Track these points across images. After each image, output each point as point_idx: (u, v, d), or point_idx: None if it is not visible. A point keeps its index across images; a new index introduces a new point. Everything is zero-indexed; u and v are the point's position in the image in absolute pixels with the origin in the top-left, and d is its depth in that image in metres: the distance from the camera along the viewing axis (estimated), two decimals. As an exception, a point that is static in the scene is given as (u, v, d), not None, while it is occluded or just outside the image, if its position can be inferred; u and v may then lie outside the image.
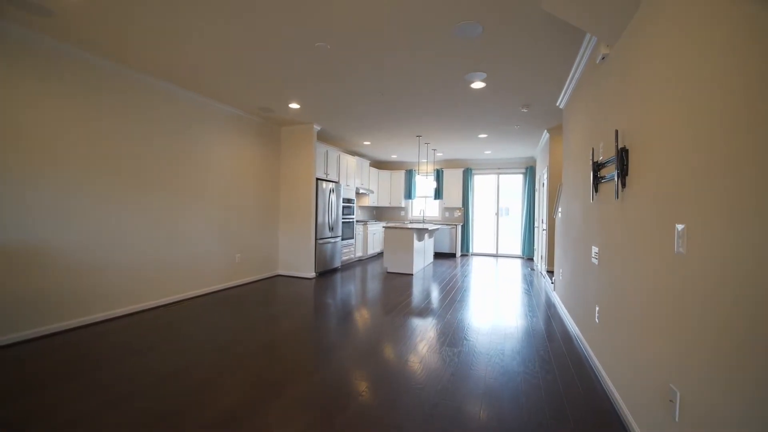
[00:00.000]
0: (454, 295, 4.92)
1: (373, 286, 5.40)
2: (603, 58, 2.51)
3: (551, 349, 3.04)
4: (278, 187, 6.13)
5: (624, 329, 2.05)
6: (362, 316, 3.86)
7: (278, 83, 4.04)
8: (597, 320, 2.61)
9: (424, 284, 5.62)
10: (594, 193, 2.71)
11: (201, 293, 4.63)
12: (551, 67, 3.49)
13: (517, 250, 9.33)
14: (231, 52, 3.24)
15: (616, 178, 2.09)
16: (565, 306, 4.02)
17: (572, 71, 3.43)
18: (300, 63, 3.47)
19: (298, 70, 3.67)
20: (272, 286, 5.26)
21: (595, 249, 2.70)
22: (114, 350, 2.85)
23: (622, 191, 2.07)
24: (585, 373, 2.60)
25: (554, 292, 4.93)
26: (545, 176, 6.42)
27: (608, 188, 2.42)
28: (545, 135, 6.17)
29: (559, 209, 4.58)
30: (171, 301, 4.23)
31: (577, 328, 3.32)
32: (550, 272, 5.83)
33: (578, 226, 3.38)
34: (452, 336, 3.31)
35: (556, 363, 2.76)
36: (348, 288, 5.26)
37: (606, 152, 2.49)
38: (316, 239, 6.06)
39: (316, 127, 5.93)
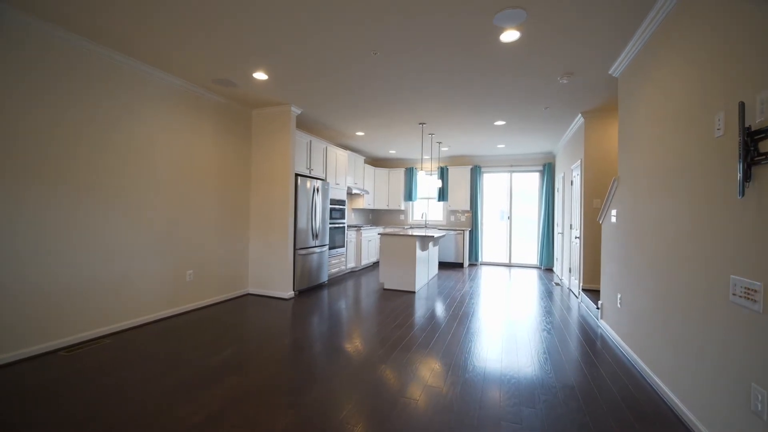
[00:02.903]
0: (470, 325, 3.74)
1: (367, 311, 4.21)
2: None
3: (649, 441, 1.86)
4: (248, 184, 4.95)
5: None
6: (347, 366, 2.67)
7: (232, 36, 2.88)
8: (765, 415, 1.44)
9: (431, 307, 4.44)
10: (743, 183, 1.54)
11: (129, 326, 3.43)
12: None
13: (533, 259, 8.16)
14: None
15: None
16: (635, 350, 2.84)
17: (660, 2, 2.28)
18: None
19: (257, 6, 2.50)
20: (235, 312, 4.07)
21: (751, 284, 1.52)
22: None
23: None
24: None
25: (602, 321, 3.75)
26: (576, 172, 5.27)
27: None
28: (578, 120, 5.03)
29: (613, 212, 3.43)
30: (77, 342, 3.02)
31: (676, 399, 2.14)
32: (589, 291, 4.66)
33: (673, 238, 2.21)
34: (482, 410, 2.12)
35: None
36: (333, 313, 4.07)
37: (788, 105, 1.33)
38: (295, 249, 4.88)
39: (295, 110, 4.77)
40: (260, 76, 3.69)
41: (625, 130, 3.17)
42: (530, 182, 8.22)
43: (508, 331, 3.57)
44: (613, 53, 3.09)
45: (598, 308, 3.90)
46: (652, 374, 2.48)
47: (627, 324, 3.01)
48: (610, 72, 3.42)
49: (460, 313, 4.18)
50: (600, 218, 3.84)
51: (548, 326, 3.76)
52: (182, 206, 3.96)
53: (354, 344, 3.13)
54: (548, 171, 7.68)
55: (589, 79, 3.64)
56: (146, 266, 3.57)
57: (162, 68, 3.55)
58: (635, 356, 2.78)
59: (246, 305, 4.36)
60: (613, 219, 3.43)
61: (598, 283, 4.65)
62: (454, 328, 3.62)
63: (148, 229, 3.59)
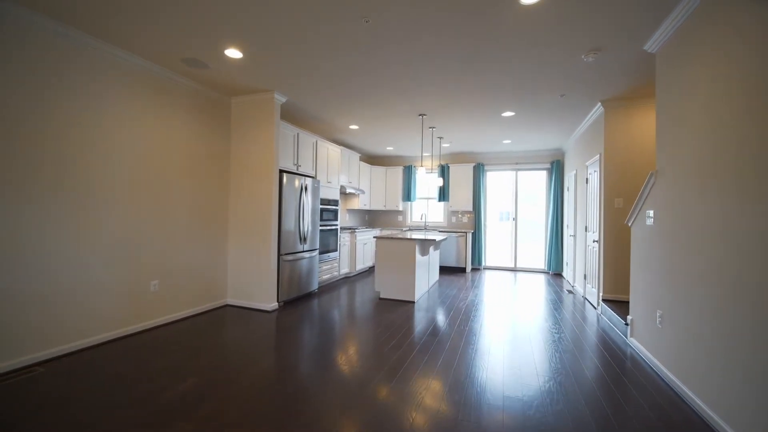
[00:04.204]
0: (479, 345, 3.20)
1: (360, 326, 3.67)
2: None
3: None
4: (228, 182, 4.40)
5: None
6: (333, 402, 2.13)
7: (195, 4, 2.35)
8: None
9: (433, 321, 3.90)
10: None
11: (75, 348, 2.87)
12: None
13: (540, 263, 7.64)
14: None
15: None
16: (689, 385, 2.30)
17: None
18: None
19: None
20: (207, 327, 3.52)
21: None
22: None
23: None
24: None
25: (632, 339, 3.23)
26: (594, 168, 4.75)
27: None
28: (596, 110, 4.51)
29: (650, 212, 2.91)
30: (2, 372, 2.47)
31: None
32: (610, 302, 4.13)
33: (749, 246, 1.68)
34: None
35: None
36: (320, 330, 3.53)
37: None
38: (279, 254, 4.34)
39: (279, 98, 4.23)
40: (233, 53, 3.16)
41: (667, 115, 2.65)
42: (537, 181, 7.70)
43: (524, 353, 3.03)
44: (653, 21, 2.57)
45: (626, 324, 3.37)
46: (716, 418, 1.95)
47: (672, 349, 2.49)
48: (645, 47, 2.90)
49: (466, 329, 3.64)
50: (629, 220, 3.32)
51: (570, 345, 3.22)
52: (146, 207, 3.41)
53: (343, 371, 2.59)
54: (557, 169, 7.17)
55: (619, 57, 3.11)
56: (99, 277, 3.02)
57: (120, 45, 3.00)
58: (688, 391, 2.25)
59: (222, 319, 3.81)
60: (649, 221, 2.91)
61: (623, 293, 4.13)
62: (461, 350, 3.08)
63: (102, 234, 3.04)
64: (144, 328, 3.40)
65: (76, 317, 2.87)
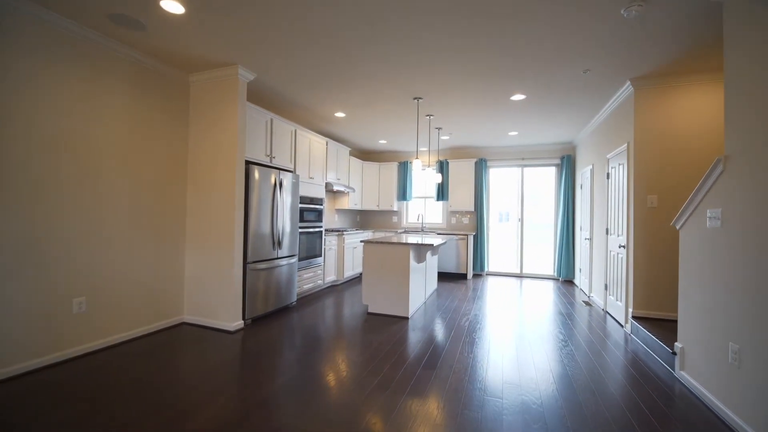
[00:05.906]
0: (487, 379, 2.50)
1: (341, 353, 2.96)
2: None
3: None
4: (184, 175, 3.69)
5: None
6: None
7: None
8: None
9: (430, 344, 3.19)
10: None
11: (-48, 393, 2.15)
12: None
13: (549, 269, 6.94)
14: None
15: None
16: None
17: None
18: None
19: None
20: (148, 355, 2.80)
21: None
22: None
23: None
24: None
25: (683, 373, 2.53)
26: (619, 161, 4.06)
27: None
28: (624, 91, 3.81)
29: (714, 213, 2.22)
30: None
31: None
32: (642, 320, 3.43)
33: None
34: None
35: None
36: (289, 359, 2.81)
37: None
38: (246, 262, 3.63)
39: (245, 74, 3.52)
40: (172, 6, 2.44)
41: (747, 82, 1.96)
42: (545, 178, 7.01)
43: (548, 396, 2.32)
44: (731, -50, 1.88)
45: (673, 352, 2.68)
46: None
47: (759, 399, 1.79)
48: (707, -5, 2.21)
49: (471, 357, 2.94)
50: (677, 222, 2.62)
51: (602, 380, 2.52)
52: (68, 205, 2.69)
53: (307, 427, 1.88)
54: (567, 164, 6.48)
55: (670, 8, 2.42)
56: (3, 295, 2.30)
57: (17, -9, 2.29)
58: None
59: (171, 343, 3.10)
60: (714, 222, 2.21)
61: (659, 310, 3.45)
62: (466, 391, 2.37)
63: (7, 240, 2.32)
64: (61, 360, 2.66)
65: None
